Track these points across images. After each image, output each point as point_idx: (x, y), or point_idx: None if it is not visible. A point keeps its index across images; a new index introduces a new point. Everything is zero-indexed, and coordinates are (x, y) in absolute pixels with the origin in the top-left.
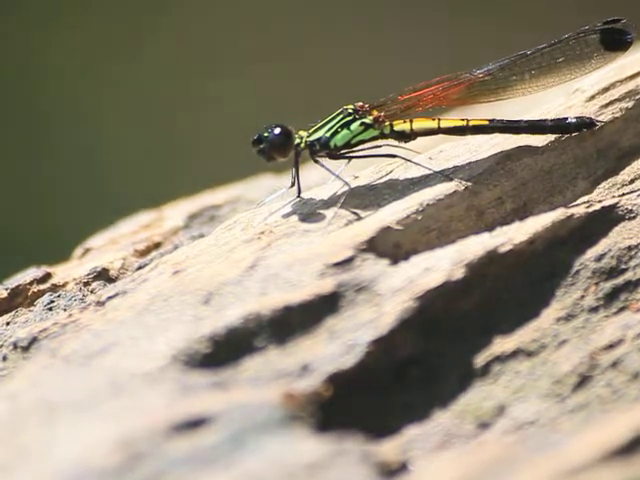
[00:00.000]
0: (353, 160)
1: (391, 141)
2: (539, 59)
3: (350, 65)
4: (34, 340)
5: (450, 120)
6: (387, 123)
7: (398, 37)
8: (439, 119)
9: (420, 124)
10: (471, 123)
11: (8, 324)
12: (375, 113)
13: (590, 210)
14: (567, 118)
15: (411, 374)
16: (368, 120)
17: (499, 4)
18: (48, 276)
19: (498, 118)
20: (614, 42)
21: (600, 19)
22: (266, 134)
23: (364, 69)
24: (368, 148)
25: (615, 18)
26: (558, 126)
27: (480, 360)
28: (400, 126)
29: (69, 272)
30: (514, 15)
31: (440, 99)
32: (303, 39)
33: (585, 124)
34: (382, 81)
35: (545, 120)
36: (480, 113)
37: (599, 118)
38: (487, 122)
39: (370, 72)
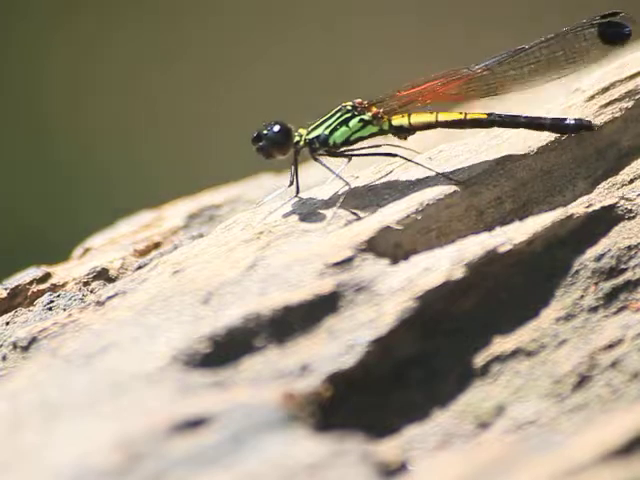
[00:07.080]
0: (353, 159)
1: (391, 140)
2: (537, 53)
3: (349, 64)
4: (34, 340)
5: (448, 113)
6: (385, 119)
7: (397, 35)
8: (437, 112)
9: (418, 118)
10: (469, 116)
11: (8, 324)
12: (374, 109)
13: (590, 210)
14: (566, 119)
15: (411, 374)
16: (367, 117)
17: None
18: (48, 276)
19: (497, 112)
20: (612, 35)
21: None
22: (265, 131)
23: (363, 67)
24: (368, 147)
25: (613, 11)
26: (556, 125)
27: (480, 360)
28: (398, 120)
29: (69, 272)
30: (515, 11)
31: (439, 95)
32: (303, 39)
33: (583, 126)
34: (381, 79)
35: (544, 118)
36: (479, 109)
37: (599, 118)
38: (485, 115)
39: (369, 70)
